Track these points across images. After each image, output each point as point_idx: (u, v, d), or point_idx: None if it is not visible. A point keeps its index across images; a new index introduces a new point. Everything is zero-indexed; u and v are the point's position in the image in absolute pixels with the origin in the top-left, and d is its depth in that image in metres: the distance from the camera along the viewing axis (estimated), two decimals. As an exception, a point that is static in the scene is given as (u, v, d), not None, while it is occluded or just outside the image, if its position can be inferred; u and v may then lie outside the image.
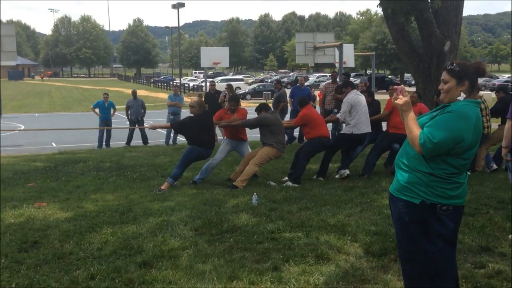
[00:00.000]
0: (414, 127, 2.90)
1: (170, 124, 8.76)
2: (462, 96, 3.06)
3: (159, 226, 5.31)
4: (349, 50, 21.65)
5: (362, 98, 8.19)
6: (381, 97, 9.92)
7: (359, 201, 6.36)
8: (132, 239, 4.88)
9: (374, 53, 28.72)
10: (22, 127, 19.60)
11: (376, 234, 4.96)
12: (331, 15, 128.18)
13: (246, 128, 8.32)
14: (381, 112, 9.03)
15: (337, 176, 8.17)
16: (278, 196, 6.65)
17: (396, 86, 3.15)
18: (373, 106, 9.45)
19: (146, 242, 4.80)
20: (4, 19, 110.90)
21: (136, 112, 14.64)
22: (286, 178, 7.98)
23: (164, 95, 35.40)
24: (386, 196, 6.60)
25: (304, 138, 8.30)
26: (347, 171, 8.17)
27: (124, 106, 15.31)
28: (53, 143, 15.78)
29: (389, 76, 57.25)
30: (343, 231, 5.06)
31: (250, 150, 8.37)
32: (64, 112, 28.39)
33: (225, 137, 8.68)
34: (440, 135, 2.78)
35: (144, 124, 14.79)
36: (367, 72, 63.12)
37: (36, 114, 26.69)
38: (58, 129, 18.74)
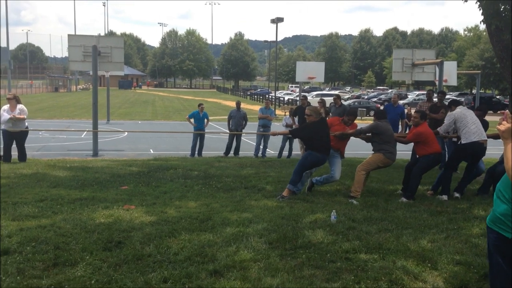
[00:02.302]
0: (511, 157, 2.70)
1: (288, 131, 9.25)
2: None
3: (235, 236, 5.39)
4: (451, 68, 20.64)
5: (469, 112, 8.18)
6: (488, 118, 9.49)
7: (445, 227, 6.00)
8: (207, 247, 5.00)
9: (480, 71, 27.13)
10: (126, 133, 20.95)
11: (460, 263, 4.64)
12: (436, 31, 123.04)
13: (346, 145, 8.55)
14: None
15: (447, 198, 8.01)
16: (358, 215, 6.47)
17: (503, 111, 2.97)
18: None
19: (220, 251, 4.90)
20: (118, 32, 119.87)
21: (237, 123, 15.02)
22: (400, 191, 8.12)
23: (259, 108, 36.05)
24: (477, 224, 6.19)
25: (417, 155, 8.27)
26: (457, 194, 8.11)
27: (224, 117, 15.81)
28: (150, 150, 16.69)
29: (497, 97, 53.57)
30: (423, 258, 4.80)
31: (340, 164, 8.35)
32: (164, 120, 29.95)
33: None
34: None
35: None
36: (473, 91, 59.64)
37: (139, 122, 28.42)
38: (147, 131, 19.79)
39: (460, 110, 8.21)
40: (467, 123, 7.97)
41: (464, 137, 7.98)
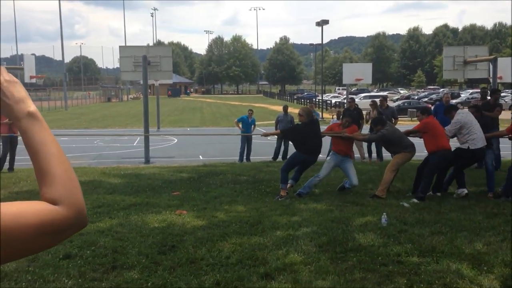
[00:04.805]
0: None
1: (280, 131, 9.23)
2: None
3: (285, 239, 5.44)
4: (506, 64, 19.85)
5: (472, 117, 8.10)
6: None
7: (502, 229, 5.82)
8: (258, 250, 5.08)
9: (537, 66, 25.95)
10: (175, 141, 21.43)
11: (517, 267, 4.50)
12: (489, 26, 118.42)
13: (351, 148, 8.77)
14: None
15: (454, 196, 8.11)
16: (410, 218, 6.37)
17: None
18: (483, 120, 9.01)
19: (270, 254, 4.96)
20: (166, 41, 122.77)
21: (285, 127, 15.05)
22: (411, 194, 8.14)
23: (306, 112, 35.88)
24: (536, 225, 5.95)
25: (426, 150, 8.22)
26: (465, 190, 8.03)
27: (271, 121, 15.88)
28: (200, 156, 16.97)
29: (557, 92, 50.99)
30: (478, 261, 4.69)
31: (354, 168, 8.50)
32: (212, 126, 30.40)
33: (331, 152, 8.87)
34: None
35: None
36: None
37: (188, 129, 28.97)
38: (195, 134, 20.14)
39: (464, 115, 8.06)
40: (472, 128, 7.89)
41: (473, 143, 7.83)
